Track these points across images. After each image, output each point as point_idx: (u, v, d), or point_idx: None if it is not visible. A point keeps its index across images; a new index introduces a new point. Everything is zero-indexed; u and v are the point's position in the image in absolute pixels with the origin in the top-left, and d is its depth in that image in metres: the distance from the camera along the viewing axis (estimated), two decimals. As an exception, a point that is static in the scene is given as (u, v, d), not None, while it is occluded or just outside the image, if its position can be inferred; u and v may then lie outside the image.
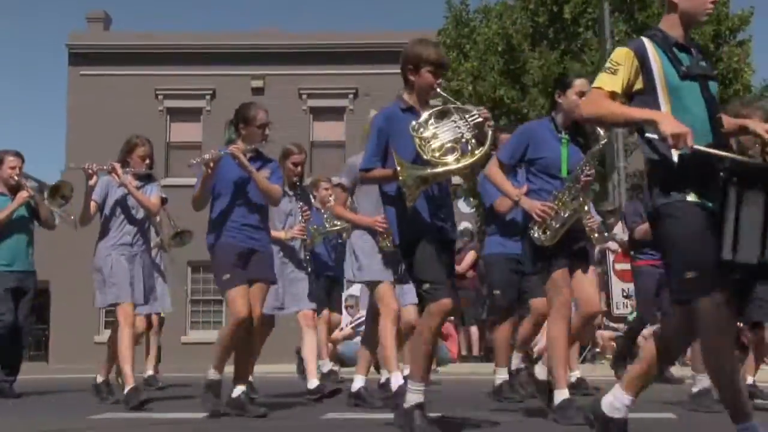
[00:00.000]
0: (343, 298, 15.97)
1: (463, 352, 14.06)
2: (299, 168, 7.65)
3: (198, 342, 23.19)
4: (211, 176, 5.78)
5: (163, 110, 26.02)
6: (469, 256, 14.42)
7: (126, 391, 6.35)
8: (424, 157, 4.69)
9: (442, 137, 4.77)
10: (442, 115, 4.86)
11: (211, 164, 5.72)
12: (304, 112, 25.70)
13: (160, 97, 25.94)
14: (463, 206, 22.51)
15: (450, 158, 4.68)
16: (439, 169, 4.65)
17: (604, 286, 14.01)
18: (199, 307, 24.98)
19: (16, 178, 8.01)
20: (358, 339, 14.69)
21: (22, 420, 5.95)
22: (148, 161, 6.83)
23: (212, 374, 5.91)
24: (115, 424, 5.75)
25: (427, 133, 4.77)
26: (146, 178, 6.91)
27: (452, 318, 17.48)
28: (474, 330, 14.11)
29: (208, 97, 25.85)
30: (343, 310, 15.48)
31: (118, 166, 6.65)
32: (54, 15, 51.78)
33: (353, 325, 14.40)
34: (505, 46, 19.40)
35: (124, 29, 28.07)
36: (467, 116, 4.81)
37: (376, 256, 6.45)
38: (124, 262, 6.73)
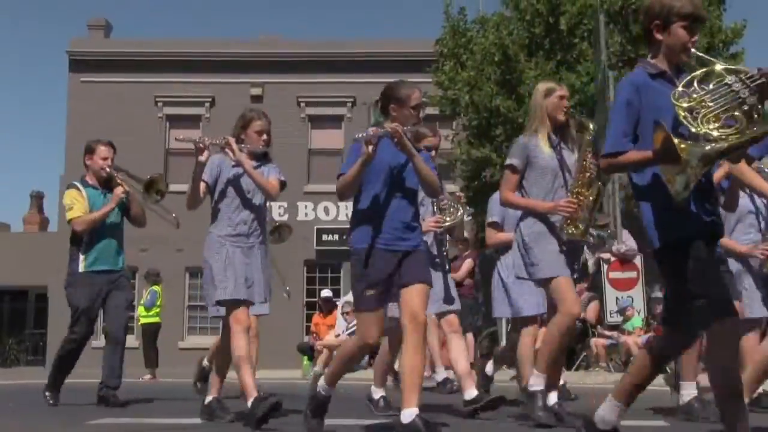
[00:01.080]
0: (340, 305, 16.13)
1: None
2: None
3: (195, 348, 23.28)
4: (371, 158, 4.71)
5: (163, 117, 26.21)
6: (467, 264, 14.44)
7: (250, 402, 5.45)
8: (694, 130, 3.69)
9: (714, 104, 3.76)
10: (707, 77, 3.88)
11: (374, 142, 4.70)
12: (302, 120, 25.91)
13: (159, 104, 26.14)
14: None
15: (730, 130, 3.68)
16: (724, 144, 3.62)
17: (599, 294, 14.24)
18: (196, 312, 25.15)
19: (108, 169, 7.39)
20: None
21: (21, 425, 5.99)
22: (265, 137, 5.89)
23: (324, 389, 5.09)
24: (115, 429, 5.80)
25: (692, 102, 3.78)
26: (263, 158, 5.95)
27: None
28: (470, 337, 14.18)
29: (207, 104, 26.03)
30: (339, 317, 15.64)
31: (233, 140, 5.76)
32: (55, 22, 52.11)
33: (350, 331, 14.51)
34: (502, 57, 19.55)
35: (124, 36, 28.30)
36: (744, 77, 3.78)
37: (549, 247, 5.53)
38: (240, 255, 5.78)
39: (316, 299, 21.69)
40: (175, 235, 26.03)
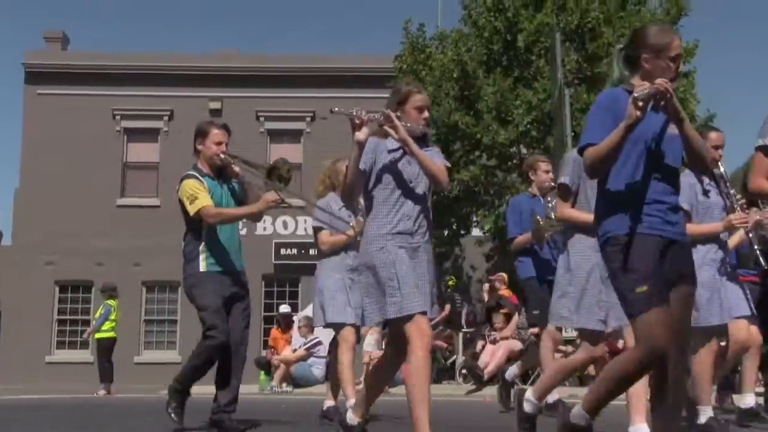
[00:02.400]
0: (297, 320, 16.13)
1: None
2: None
3: (151, 362, 23.23)
4: (638, 121, 3.78)
5: (121, 130, 26.05)
6: None
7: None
8: None
9: None
10: None
11: (645, 102, 3.75)
12: (261, 135, 25.90)
13: (117, 117, 25.98)
14: None
15: None
16: None
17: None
18: (153, 327, 25.00)
19: (222, 156, 6.45)
20: (312, 360, 14.96)
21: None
22: (426, 114, 4.84)
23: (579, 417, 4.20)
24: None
25: None
26: (422, 140, 4.85)
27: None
28: None
29: (165, 118, 25.93)
30: (295, 331, 15.66)
31: (394, 115, 4.68)
32: (11, 33, 51.46)
33: (307, 346, 14.57)
34: (460, 73, 19.82)
35: (82, 49, 27.98)
36: None
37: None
38: (405, 257, 4.71)
39: (274, 314, 21.69)
40: (132, 249, 26.06)
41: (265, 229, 25.03)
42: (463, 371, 14.30)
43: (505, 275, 15.18)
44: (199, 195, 6.22)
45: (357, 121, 4.63)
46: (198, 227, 6.29)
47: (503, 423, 6.22)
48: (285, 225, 25.65)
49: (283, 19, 53.53)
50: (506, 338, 13.13)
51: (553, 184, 7.62)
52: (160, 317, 24.68)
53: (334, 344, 7.28)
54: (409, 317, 4.47)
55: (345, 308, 6.72)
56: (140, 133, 26.05)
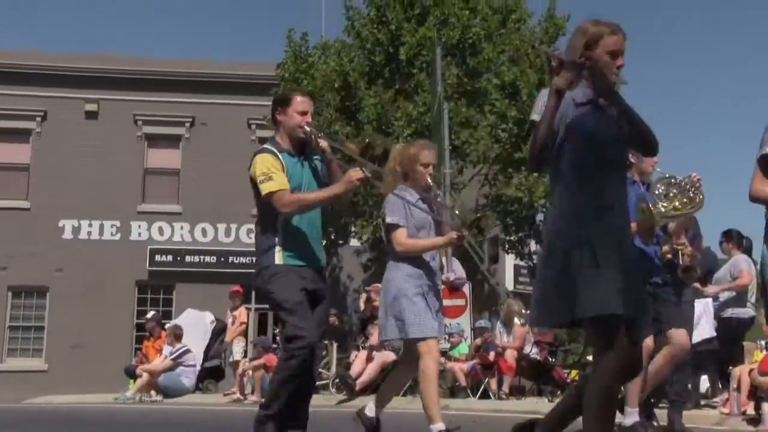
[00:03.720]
0: (167, 328, 15.90)
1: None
2: None
3: (15, 370, 22.69)
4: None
5: (-10, 131, 25.36)
6: None
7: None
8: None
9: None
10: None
11: None
12: (138, 139, 25.59)
13: (-14, 118, 25.26)
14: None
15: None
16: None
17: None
18: (18, 333, 24.39)
19: (307, 128, 5.45)
20: (181, 370, 14.80)
21: None
22: (620, 62, 4.01)
23: None
24: None
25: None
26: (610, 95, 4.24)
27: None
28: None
29: (38, 118, 25.34)
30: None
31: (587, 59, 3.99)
32: None
33: (174, 356, 14.42)
34: (342, 83, 19.98)
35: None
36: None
37: None
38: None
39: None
40: (-3, 252, 25.31)
41: (140, 234, 24.85)
42: (336, 381, 14.36)
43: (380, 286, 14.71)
44: (275, 175, 5.27)
45: (555, 63, 3.89)
46: (273, 212, 5.36)
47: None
48: (161, 231, 25.42)
49: (167, 23, 52.86)
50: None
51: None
52: (26, 323, 24.09)
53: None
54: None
55: (429, 319, 5.81)
56: (11, 134, 25.39)
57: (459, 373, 13.34)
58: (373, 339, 13.55)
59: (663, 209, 6.30)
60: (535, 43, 4.26)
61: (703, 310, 10.18)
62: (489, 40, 20.19)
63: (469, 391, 13.26)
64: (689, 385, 9.44)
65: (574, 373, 14.28)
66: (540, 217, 21.81)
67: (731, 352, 10.41)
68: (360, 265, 24.26)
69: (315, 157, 5.55)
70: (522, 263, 26.96)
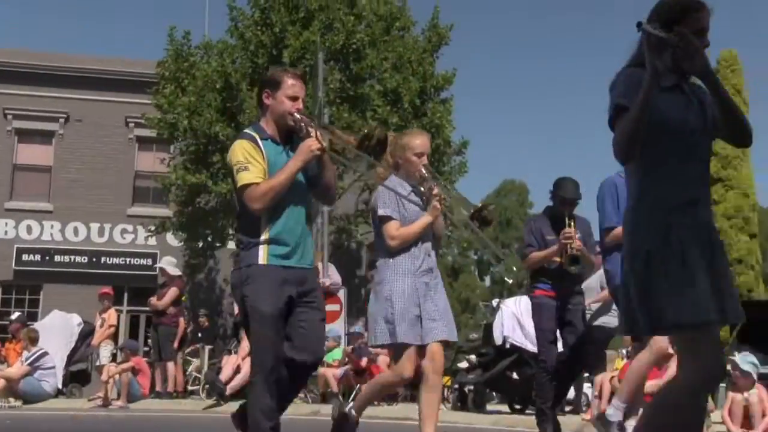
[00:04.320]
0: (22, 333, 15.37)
1: (158, 388, 14.16)
2: None
3: None
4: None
5: None
6: (172, 292, 14.43)
7: None
8: None
9: None
10: None
11: None
12: (8, 134, 24.97)
13: None
14: (171, 239, 22.78)
15: None
16: None
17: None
18: None
19: (297, 115, 4.85)
20: (39, 374, 14.30)
21: None
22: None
23: None
24: None
25: None
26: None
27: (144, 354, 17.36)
28: (171, 366, 14.19)
29: None
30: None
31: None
32: None
33: (30, 360, 13.97)
34: (224, 84, 19.90)
35: None
36: None
37: None
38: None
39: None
40: None
41: (6, 233, 24.31)
42: (206, 386, 14.23)
43: None
44: (251, 165, 4.73)
45: (655, 42, 3.40)
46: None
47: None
48: (29, 229, 24.84)
49: (44, 17, 51.41)
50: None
51: None
52: None
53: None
54: None
55: (417, 325, 5.41)
56: None
57: (331, 379, 13.41)
58: (245, 343, 13.35)
59: None
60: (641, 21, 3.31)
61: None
62: (373, 47, 20.38)
63: (340, 397, 13.22)
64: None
65: (446, 379, 14.45)
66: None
67: (596, 360, 10.72)
68: None
69: None
70: None
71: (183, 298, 19.85)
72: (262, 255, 4.73)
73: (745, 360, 8.98)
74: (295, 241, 4.84)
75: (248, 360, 13.01)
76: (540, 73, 75.23)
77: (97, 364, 15.16)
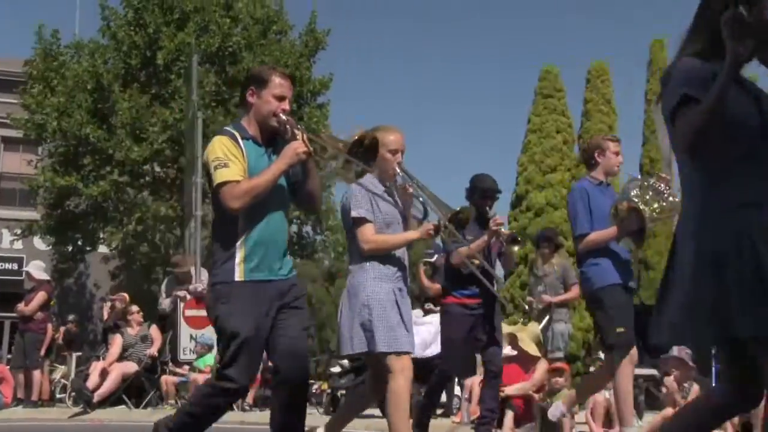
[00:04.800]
0: None
1: (20, 395, 14.07)
2: None
3: None
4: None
5: None
6: (39, 297, 14.26)
7: None
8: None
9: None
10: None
11: None
12: None
13: None
14: (39, 242, 22.64)
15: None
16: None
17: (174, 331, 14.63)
18: None
19: (282, 117, 4.62)
20: None
21: None
22: None
23: None
24: None
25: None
26: None
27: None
28: (36, 373, 14.05)
29: None
30: None
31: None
32: None
33: None
34: (95, 85, 19.89)
35: None
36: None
37: None
38: None
39: None
40: None
41: None
42: (73, 393, 14.18)
43: (126, 295, 15.09)
44: (231, 162, 4.48)
45: (738, 28, 3.09)
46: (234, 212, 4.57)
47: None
48: None
49: None
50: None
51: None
52: None
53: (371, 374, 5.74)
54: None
55: (402, 331, 5.21)
56: None
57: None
58: (114, 349, 13.42)
59: (650, 212, 6.27)
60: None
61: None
62: (249, 50, 20.69)
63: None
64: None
65: (324, 384, 14.80)
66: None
67: (466, 363, 11.08)
68: (107, 272, 24.21)
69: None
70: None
71: (51, 303, 19.70)
72: (239, 271, 4.49)
73: None
74: (277, 251, 4.61)
75: (117, 366, 13.04)
76: (415, 78, 77.19)
77: None
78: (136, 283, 22.50)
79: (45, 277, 14.85)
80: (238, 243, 4.45)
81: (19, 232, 23.16)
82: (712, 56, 3.16)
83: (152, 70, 20.64)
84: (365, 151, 4.86)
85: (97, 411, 12.96)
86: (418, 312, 13.14)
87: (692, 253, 3.20)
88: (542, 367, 9.23)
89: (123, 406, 13.79)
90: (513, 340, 9.41)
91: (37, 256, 21.36)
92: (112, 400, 13.45)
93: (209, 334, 14.22)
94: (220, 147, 4.43)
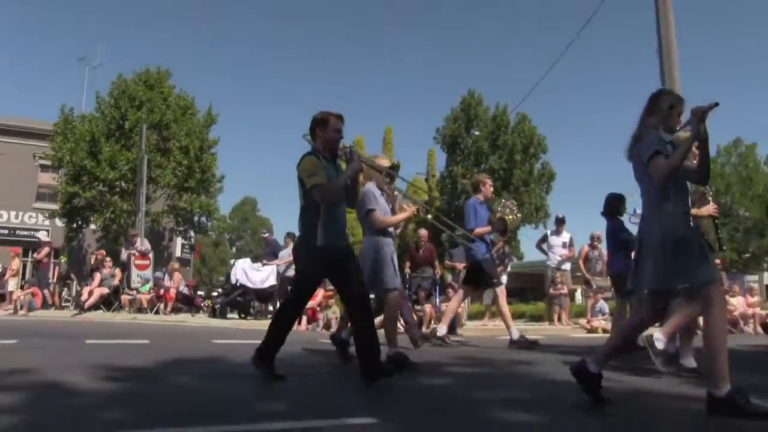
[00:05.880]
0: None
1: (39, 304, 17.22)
2: None
3: None
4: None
5: None
6: (45, 250, 18.29)
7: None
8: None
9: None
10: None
11: None
12: None
13: None
14: None
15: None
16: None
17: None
18: None
19: (343, 145, 6.23)
20: None
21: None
22: None
23: None
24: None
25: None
26: None
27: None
28: (47, 292, 18.19)
29: None
30: None
31: None
32: None
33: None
34: (91, 137, 28.68)
35: None
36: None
37: None
38: None
39: None
40: None
41: None
42: (73, 303, 17.98)
43: (103, 251, 19.46)
44: (318, 172, 5.90)
45: (703, 115, 4.72)
46: (316, 202, 5.94)
47: None
48: None
49: None
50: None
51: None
52: None
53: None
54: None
55: (397, 275, 7.03)
56: None
57: (144, 301, 17.56)
58: (95, 281, 17.40)
59: (510, 219, 9.34)
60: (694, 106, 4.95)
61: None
62: (175, 122, 30.12)
63: (148, 310, 17.44)
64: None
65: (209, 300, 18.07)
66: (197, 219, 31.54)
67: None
68: (95, 239, 30.75)
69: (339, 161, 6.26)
70: (185, 242, 36.61)
71: (62, 257, 27.02)
72: (320, 239, 5.91)
73: None
74: (342, 228, 6.15)
75: (97, 289, 17.68)
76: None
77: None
78: (109, 245, 28.51)
79: (47, 239, 19.37)
80: (320, 221, 5.92)
81: (47, 215, 31.99)
82: (658, 129, 4.89)
83: (122, 131, 29.76)
84: (395, 170, 7.01)
85: (87, 313, 16.33)
86: (258, 265, 17.63)
87: (660, 236, 4.72)
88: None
89: (101, 311, 17.31)
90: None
91: (57, 230, 31.04)
92: (95, 306, 17.30)
93: (147, 273, 18.82)
94: (310, 163, 5.97)
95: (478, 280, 9.99)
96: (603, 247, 15.92)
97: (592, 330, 14.48)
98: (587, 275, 15.92)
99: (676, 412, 5.03)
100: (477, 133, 37.68)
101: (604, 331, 14.44)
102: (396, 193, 7.51)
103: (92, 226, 31.08)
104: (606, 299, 15.98)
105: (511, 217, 9.71)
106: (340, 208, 6.19)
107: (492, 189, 10.08)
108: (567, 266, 16.75)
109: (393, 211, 7.45)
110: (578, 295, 21.32)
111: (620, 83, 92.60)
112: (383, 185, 7.33)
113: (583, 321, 15.24)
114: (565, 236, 16.84)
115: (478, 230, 9.57)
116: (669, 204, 4.84)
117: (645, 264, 4.80)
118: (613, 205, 9.13)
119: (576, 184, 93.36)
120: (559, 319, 16.81)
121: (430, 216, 8.21)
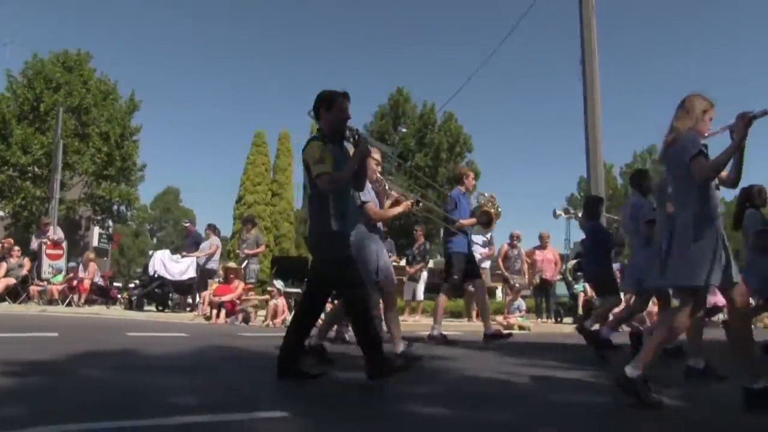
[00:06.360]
0: None
1: None
2: None
3: None
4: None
5: None
6: None
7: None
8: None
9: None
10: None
11: None
12: None
13: None
14: None
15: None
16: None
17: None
18: None
19: (350, 126, 6.05)
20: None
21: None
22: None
23: None
24: None
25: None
26: None
27: None
28: None
29: None
30: None
31: None
32: None
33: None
34: (2, 120, 28.17)
35: None
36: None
37: None
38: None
39: None
40: None
41: None
42: None
43: (11, 240, 18.21)
44: (325, 159, 5.75)
45: (749, 122, 4.86)
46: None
47: None
48: None
49: None
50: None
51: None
52: None
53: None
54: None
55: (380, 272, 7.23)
56: None
57: (55, 293, 16.92)
58: (1, 271, 16.66)
59: (493, 212, 9.53)
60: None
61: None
62: (96, 107, 29.89)
63: (60, 302, 17.00)
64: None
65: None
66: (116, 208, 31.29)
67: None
68: (3, 227, 29.55)
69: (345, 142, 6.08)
70: (103, 232, 36.37)
71: None
72: (334, 224, 5.81)
73: None
74: (354, 216, 6.20)
75: (2, 280, 16.77)
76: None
77: None
78: (19, 233, 27.65)
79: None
80: (331, 208, 5.81)
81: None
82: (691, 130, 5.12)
83: (36, 113, 29.31)
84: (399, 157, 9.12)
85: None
86: (177, 257, 17.50)
87: (691, 235, 4.97)
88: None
89: (6, 302, 16.63)
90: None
91: None
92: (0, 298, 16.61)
93: (60, 263, 18.30)
94: (316, 148, 5.80)
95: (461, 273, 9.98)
96: (522, 246, 16.87)
97: (509, 326, 14.54)
98: (506, 273, 16.52)
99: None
100: (404, 130, 37.78)
101: (521, 327, 14.76)
102: (387, 187, 7.61)
103: (0, 213, 30.58)
104: (524, 297, 16.33)
105: (493, 210, 9.90)
106: (349, 192, 6.09)
107: (474, 182, 10.27)
108: (486, 264, 16.78)
109: (381, 204, 7.53)
110: (499, 293, 21.48)
111: (546, 85, 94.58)
112: (374, 175, 7.39)
113: (500, 318, 15.28)
114: (485, 235, 16.89)
115: (463, 221, 9.65)
116: (698, 205, 5.05)
117: (678, 260, 5.01)
118: (593, 208, 9.39)
119: (500, 184, 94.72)
120: (478, 315, 16.83)
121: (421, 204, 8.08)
